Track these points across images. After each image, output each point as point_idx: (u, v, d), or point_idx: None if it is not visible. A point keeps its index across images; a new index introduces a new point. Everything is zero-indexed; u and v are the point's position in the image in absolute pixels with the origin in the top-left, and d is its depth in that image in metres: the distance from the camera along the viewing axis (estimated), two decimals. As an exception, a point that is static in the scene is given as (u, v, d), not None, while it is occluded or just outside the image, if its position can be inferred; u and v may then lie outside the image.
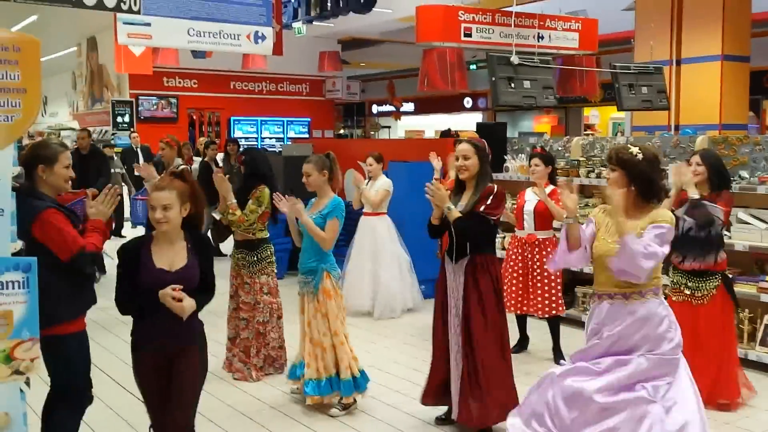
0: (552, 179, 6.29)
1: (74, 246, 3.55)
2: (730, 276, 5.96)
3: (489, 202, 4.35)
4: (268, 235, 5.89)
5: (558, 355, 6.21)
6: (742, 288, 5.93)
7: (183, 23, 6.16)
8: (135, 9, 4.54)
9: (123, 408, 5.12)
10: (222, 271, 7.10)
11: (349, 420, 4.91)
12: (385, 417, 4.97)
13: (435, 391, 4.70)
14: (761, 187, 6.02)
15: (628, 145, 3.65)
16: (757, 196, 6.09)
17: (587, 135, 17.47)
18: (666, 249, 3.48)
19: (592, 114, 22.01)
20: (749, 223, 6.06)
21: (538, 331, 6.60)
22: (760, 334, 5.89)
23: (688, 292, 5.07)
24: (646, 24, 11.43)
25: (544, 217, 6.16)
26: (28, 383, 3.48)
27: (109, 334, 6.80)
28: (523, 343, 6.50)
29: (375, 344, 6.72)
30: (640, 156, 3.54)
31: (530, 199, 6.25)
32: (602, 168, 7.36)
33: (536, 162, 6.27)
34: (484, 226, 4.40)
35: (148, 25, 5.89)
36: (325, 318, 4.96)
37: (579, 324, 7.08)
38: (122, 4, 4.40)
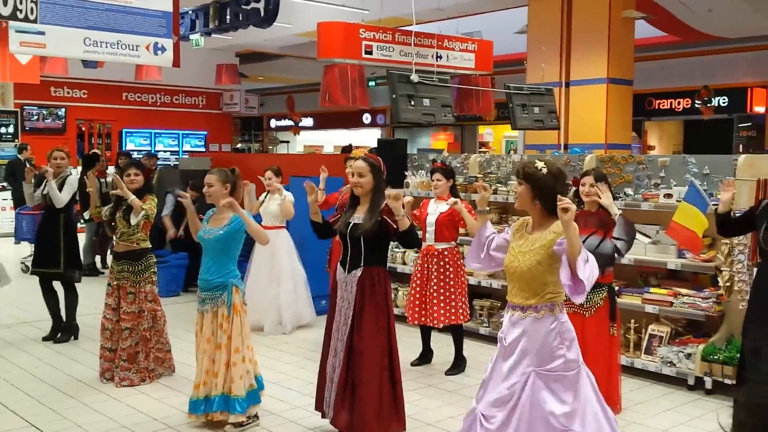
0: (454, 192, 6.45)
1: None
2: (617, 288, 6.31)
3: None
4: (150, 245, 6.02)
5: (457, 364, 6.36)
6: (628, 299, 6.26)
7: (79, 32, 5.96)
8: (32, 18, 4.36)
9: (11, 432, 4.89)
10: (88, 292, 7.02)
11: (252, 437, 4.86)
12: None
13: (321, 399, 4.75)
14: (645, 204, 6.37)
15: (535, 160, 3.73)
16: (641, 212, 6.44)
17: (482, 152, 17.98)
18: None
19: (486, 132, 22.69)
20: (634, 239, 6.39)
21: (442, 343, 6.73)
22: (644, 344, 6.22)
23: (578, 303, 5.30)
24: (538, 47, 11.92)
25: (445, 228, 6.31)
26: None
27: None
28: (426, 355, 6.61)
29: (276, 360, 6.67)
30: (544, 170, 3.63)
31: (432, 211, 6.38)
32: (498, 184, 7.62)
33: (438, 177, 6.41)
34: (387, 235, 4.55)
35: (42, 33, 5.67)
36: (233, 335, 4.89)
37: (477, 336, 7.28)
38: (18, 12, 4.22)
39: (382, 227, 4.50)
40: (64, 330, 7.20)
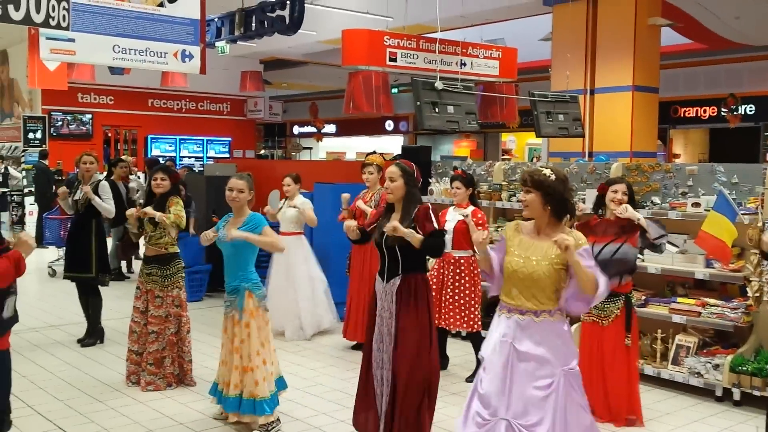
0: (473, 201, 6.45)
1: None
2: (644, 298, 6.26)
3: (432, 222, 4.43)
4: (179, 250, 6.06)
5: (476, 372, 6.33)
6: (655, 309, 6.21)
7: (108, 40, 6.03)
8: (64, 25, 4.43)
9: (39, 435, 4.94)
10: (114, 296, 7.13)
11: (276, 443, 4.88)
12: (312, 439, 4.95)
13: (364, 416, 4.62)
14: (672, 213, 6.32)
15: (540, 168, 3.79)
16: (668, 221, 6.37)
17: (505, 159, 17.93)
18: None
19: (509, 139, 22.61)
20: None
21: (461, 351, 6.71)
22: (671, 354, 6.16)
23: (595, 312, 5.28)
24: (562, 54, 11.88)
25: (462, 237, 6.30)
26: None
27: (23, 359, 6.55)
28: (442, 362, 6.59)
29: (299, 366, 6.68)
30: (552, 177, 3.68)
31: (451, 218, 6.37)
32: (523, 192, 7.59)
33: (457, 185, 6.42)
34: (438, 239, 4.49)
35: (72, 41, 5.75)
36: (247, 339, 4.93)
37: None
38: (51, 19, 4.28)
39: (416, 231, 4.41)
40: (89, 333, 7.27)
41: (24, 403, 5.50)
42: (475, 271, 6.36)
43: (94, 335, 7.27)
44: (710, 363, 5.84)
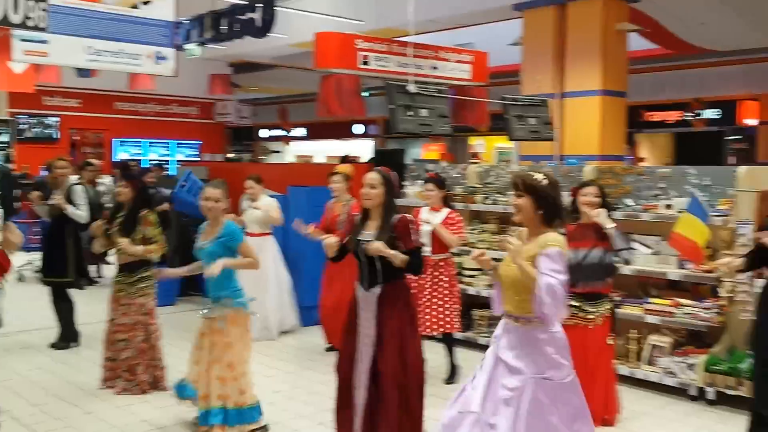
0: (447, 203, 6.48)
1: None
2: (618, 299, 6.35)
3: (413, 236, 4.36)
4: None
5: (452, 374, 6.39)
6: (628, 310, 6.30)
7: (81, 41, 5.96)
8: (42, 26, 4.36)
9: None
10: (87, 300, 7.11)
11: (257, 447, 4.84)
12: (293, 443, 4.93)
13: (346, 427, 4.53)
14: (645, 215, 6.42)
15: (531, 173, 3.81)
16: (641, 223, 6.49)
17: (474, 163, 18.03)
18: (562, 276, 3.57)
19: (477, 143, 22.73)
20: (635, 249, 6.43)
21: (436, 353, 6.72)
22: (646, 354, 6.25)
23: (581, 315, 5.33)
24: (533, 59, 11.98)
25: (439, 241, 6.32)
26: None
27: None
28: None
29: (277, 369, 6.65)
30: (545, 181, 3.71)
31: (426, 220, 6.35)
32: (497, 195, 7.65)
33: (430, 187, 6.45)
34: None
35: (45, 42, 5.66)
36: (228, 348, 4.85)
37: (476, 346, 7.28)
38: (28, 20, 4.21)
39: (395, 243, 4.34)
40: (61, 337, 7.18)
41: None
42: (453, 273, 6.40)
43: (67, 338, 7.17)
44: (684, 363, 5.94)
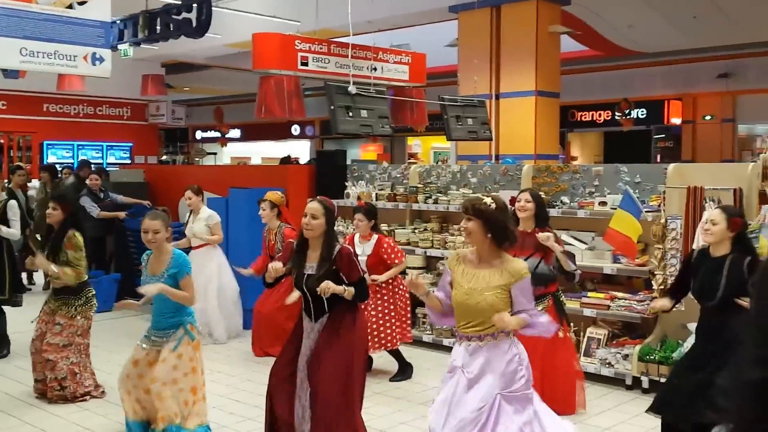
0: (376, 230, 6.51)
1: None
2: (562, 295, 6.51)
3: (356, 268, 4.40)
4: (87, 277, 5.84)
5: (402, 370, 6.51)
6: (567, 304, 6.46)
7: (15, 42, 5.76)
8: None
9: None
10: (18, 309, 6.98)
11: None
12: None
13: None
14: (581, 212, 6.62)
15: (480, 196, 3.96)
16: (577, 219, 6.69)
17: (412, 163, 18.19)
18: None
19: (414, 143, 22.96)
20: (571, 245, 6.63)
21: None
22: (583, 346, 6.45)
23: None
24: (469, 60, 12.18)
25: (375, 268, 6.37)
26: None
27: None
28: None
29: (221, 373, 6.61)
30: (493, 205, 3.82)
31: (360, 253, 6.22)
32: (438, 194, 7.77)
33: (359, 217, 6.43)
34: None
35: (-23, 43, 5.51)
36: (192, 372, 4.73)
37: (421, 343, 7.38)
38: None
39: (338, 274, 4.33)
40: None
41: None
42: (395, 289, 6.47)
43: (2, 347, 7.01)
44: (620, 353, 6.16)
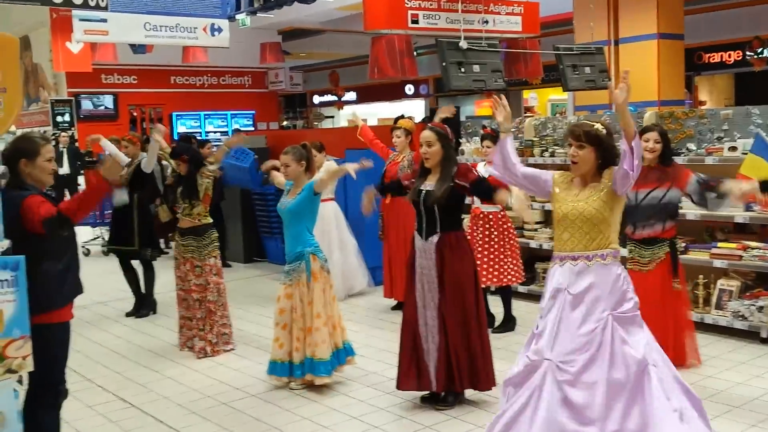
0: None
1: (44, 213, 3.52)
2: (684, 244, 6.27)
3: (473, 173, 4.64)
4: (211, 220, 6.27)
5: (506, 322, 6.52)
6: (695, 255, 6.23)
7: (139, 18, 6.10)
8: (102, 5, 4.50)
9: (101, 407, 5.11)
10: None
11: (332, 402, 5.00)
12: (366, 398, 5.07)
13: (409, 374, 4.75)
14: (709, 158, 6.31)
15: (589, 123, 3.81)
16: (705, 166, 6.35)
17: (529, 116, 17.82)
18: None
19: (531, 96, 22.42)
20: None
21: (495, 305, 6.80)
22: (714, 299, 6.19)
23: (639, 259, 5.32)
24: (585, 6, 11.72)
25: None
26: (21, 381, 3.49)
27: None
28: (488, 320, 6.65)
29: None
30: (604, 131, 3.74)
31: (482, 172, 6.39)
32: (555, 147, 7.60)
33: (488, 143, 6.57)
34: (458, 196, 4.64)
35: (105, 21, 5.81)
36: (312, 302, 5.10)
37: (539, 299, 7.29)
38: (90, 1, 4.35)
39: (455, 192, 4.58)
40: (144, 305, 7.51)
41: (82, 377, 5.68)
42: (505, 226, 6.45)
43: (148, 306, 7.51)
44: (754, 305, 5.87)
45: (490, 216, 6.42)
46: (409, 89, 24.14)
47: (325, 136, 8.49)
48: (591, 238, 3.70)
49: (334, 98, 25.81)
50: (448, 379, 4.63)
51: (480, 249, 6.37)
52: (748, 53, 16.56)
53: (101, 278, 9.24)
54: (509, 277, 6.42)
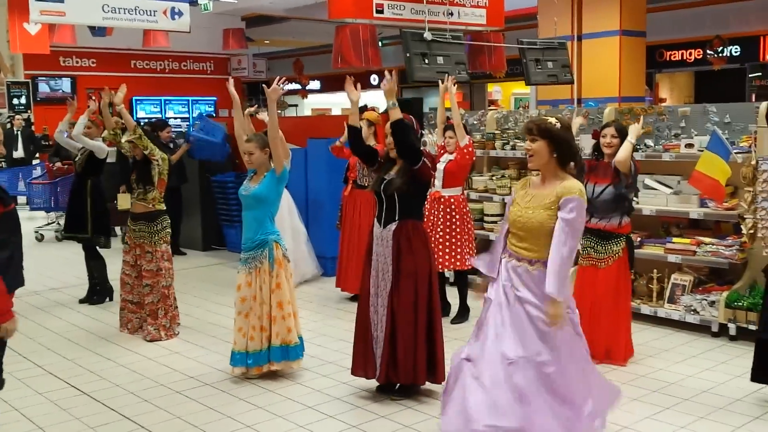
0: None
1: None
2: (639, 239, 6.36)
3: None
4: (164, 207, 6.26)
5: (459, 314, 6.57)
6: (650, 250, 6.33)
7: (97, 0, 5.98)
8: (58, -16, 4.40)
9: (51, 394, 5.01)
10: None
11: (287, 392, 4.97)
12: (322, 387, 5.05)
13: (359, 361, 4.81)
14: (666, 155, 6.39)
15: (545, 117, 3.85)
16: (661, 163, 6.47)
17: (492, 109, 17.90)
18: (581, 221, 3.65)
19: (495, 90, 22.52)
20: (655, 189, 6.44)
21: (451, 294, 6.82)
22: (667, 293, 6.29)
23: (594, 254, 5.37)
24: (549, 1, 11.80)
25: (451, 176, 6.43)
26: None
27: (28, 322, 6.59)
28: (444, 309, 6.65)
29: (301, 318, 6.77)
30: (559, 125, 3.74)
31: (442, 159, 6.51)
32: (516, 140, 7.64)
33: (449, 134, 6.59)
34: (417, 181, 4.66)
35: (62, 1, 5.67)
36: (277, 289, 5.07)
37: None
38: (45, -21, 4.24)
39: (416, 179, 4.62)
40: (93, 293, 7.39)
41: (33, 363, 5.58)
42: (465, 210, 6.49)
43: (102, 294, 7.39)
44: (706, 300, 5.98)
45: (452, 200, 6.45)
46: (374, 79, 24.07)
47: (289, 125, 8.41)
48: (537, 245, 3.68)
49: (298, 86, 25.63)
50: (392, 369, 4.63)
51: (441, 233, 6.39)
52: (708, 52, 16.82)
53: (55, 264, 9.07)
54: (466, 261, 6.45)
